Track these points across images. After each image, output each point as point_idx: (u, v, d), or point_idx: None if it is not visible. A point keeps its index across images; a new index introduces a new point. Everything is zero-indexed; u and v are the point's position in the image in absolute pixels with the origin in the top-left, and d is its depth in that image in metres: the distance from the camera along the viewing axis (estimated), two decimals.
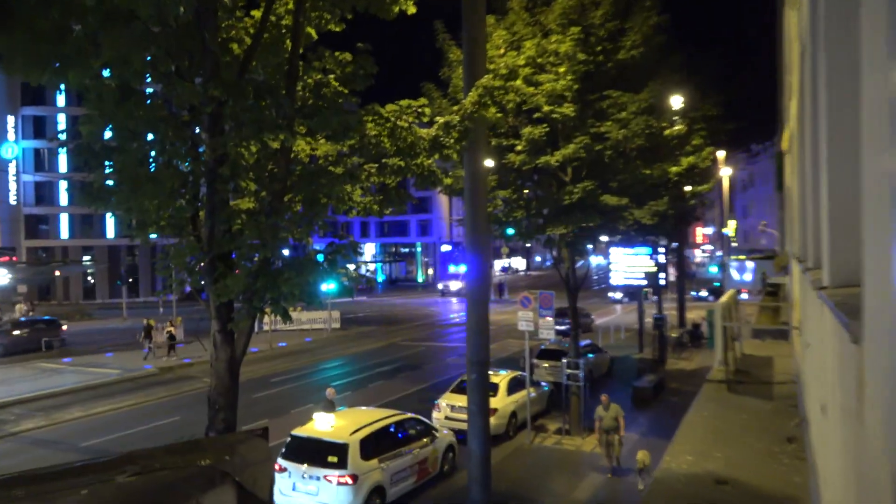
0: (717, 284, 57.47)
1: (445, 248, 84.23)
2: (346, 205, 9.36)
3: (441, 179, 9.87)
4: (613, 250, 24.65)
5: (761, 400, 12.12)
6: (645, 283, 24.67)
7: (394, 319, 46.99)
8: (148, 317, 34.35)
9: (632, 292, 47.49)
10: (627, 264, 24.33)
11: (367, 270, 9.48)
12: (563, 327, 39.69)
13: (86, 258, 59.89)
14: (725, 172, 49.97)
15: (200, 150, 8.14)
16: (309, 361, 30.13)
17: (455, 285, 61.11)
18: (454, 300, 60.12)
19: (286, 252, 8.73)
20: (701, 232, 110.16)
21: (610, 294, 55.61)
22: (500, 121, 16.72)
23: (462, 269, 74.51)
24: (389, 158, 9.45)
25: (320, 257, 8.48)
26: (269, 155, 8.73)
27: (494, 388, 18.06)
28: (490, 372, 15.12)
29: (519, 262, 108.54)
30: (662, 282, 24.80)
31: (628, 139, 16.92)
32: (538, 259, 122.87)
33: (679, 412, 13.91)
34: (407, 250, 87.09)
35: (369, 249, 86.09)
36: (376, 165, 9.44)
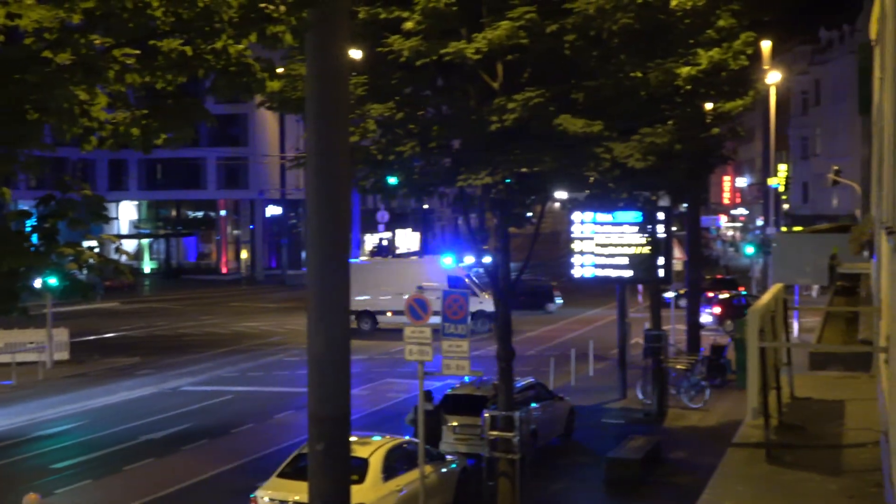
0: (722, 278, 59.15)
1: (272, 210, 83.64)
2: (78, 126, 9.06)
3: (262, 81, 9.72)
4: (577, 217, 25.00)
5: (823, 476, 12.73)
6: (630, 273, 25.19)
7: (176, 344, 46.20)
8: None
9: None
10: (600, 241, 24.73)
11: (119, 252, 9.32)
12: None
13: None
14: (774, 79, 51.62)
15: None
16: (6, 423, 29.29)
17: None
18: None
19: None
20: (731, 185, 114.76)
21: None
22: None
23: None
24: (164, 39, 9.21)
25: (27, 224, 8.24)
26: None
27: (361, 466, 18.14)
28: (353, 438, 15.14)
29: (408, 239, 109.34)
30: (663, 271, 25.37)
31: (606, 14, 17.24)
32: (441, 234, 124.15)
33: (686, 502, 14.41)
34: (201, 214, 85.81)
35: (127, 212, 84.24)
36: (138, 52, 9.18)
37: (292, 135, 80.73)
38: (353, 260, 52.64)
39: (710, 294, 49.90)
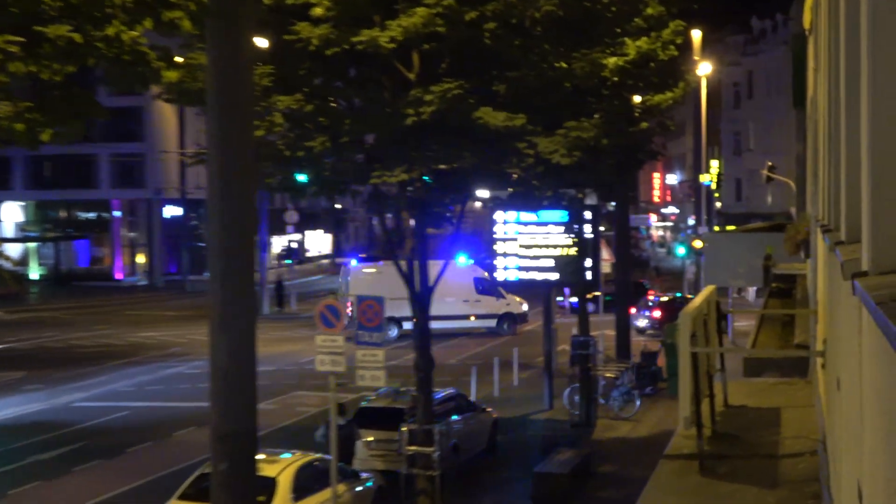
0: (641, 286, 58.52)
1: (172, 210, 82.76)
2: None
3: (158, 70, 9.62)
4: (499, 216, 25.09)
5: (759, 488, 12.93)
6: (556, 276, 25.35)
7: (67, 356, 45.53)
8: None
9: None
10: (525, 242, 24.84)
11: (2, 258, 9.13)
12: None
13: None
14: (705, 70, 52.42)
15: None
16: None
17: None
18: None
19: None
20: (661, 182, 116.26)
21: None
22: None
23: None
24: (50, 25, 9.07)
25: None
26: None
27: (269, 486, 18.04)
28: (260, 456, 15.05)
29: (319, 241, 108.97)
30: (590, 274, 25.58)
31: (528, 1, 17.36)
32: (353, 237, 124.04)
33: None
34: (94, 215, 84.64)
35: (11, 214, 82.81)
36: (22, 39, 9.03)
37: (192, 129, 79.59)
38: (370, 264, 51.50)
39: (651, 297, 50.47)
